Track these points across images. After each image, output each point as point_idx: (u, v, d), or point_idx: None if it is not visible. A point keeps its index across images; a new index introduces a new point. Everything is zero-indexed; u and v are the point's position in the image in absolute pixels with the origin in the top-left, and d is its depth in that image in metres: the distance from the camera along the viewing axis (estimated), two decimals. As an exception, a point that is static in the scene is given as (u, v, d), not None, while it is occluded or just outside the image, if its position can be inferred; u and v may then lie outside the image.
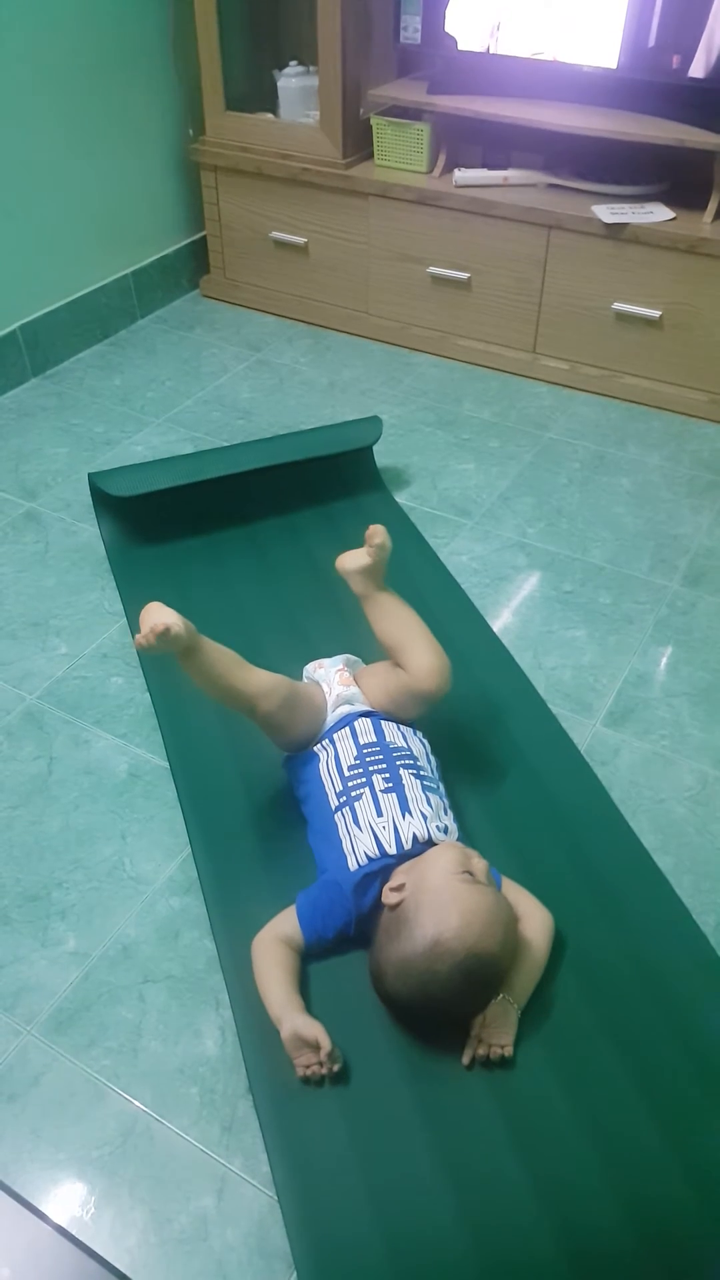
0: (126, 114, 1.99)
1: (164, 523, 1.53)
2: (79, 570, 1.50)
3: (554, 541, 1.56)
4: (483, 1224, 0.79)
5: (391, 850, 0.94)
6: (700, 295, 1.75)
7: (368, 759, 1.01)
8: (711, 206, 1.74)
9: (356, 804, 0.98)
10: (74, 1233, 0.79)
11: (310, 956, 0.95)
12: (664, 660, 1.35)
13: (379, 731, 1.04)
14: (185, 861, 1.08)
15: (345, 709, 1.07)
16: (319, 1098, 0.86)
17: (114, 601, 1.44)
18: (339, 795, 1.00)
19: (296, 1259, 0.77)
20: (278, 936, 0.93)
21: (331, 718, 1.07)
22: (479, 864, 0.91)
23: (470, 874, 0.89)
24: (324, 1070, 0.85)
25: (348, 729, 1.05)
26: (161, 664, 1.32)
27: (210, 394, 1.95)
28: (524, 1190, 0.80)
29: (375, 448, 1.66)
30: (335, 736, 1.05)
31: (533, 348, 1.97)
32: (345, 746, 1.03)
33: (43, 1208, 0.81)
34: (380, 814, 0.96)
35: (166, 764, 1.18)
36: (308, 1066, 0.85)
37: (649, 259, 1.76)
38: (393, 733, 1.05)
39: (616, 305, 1.83)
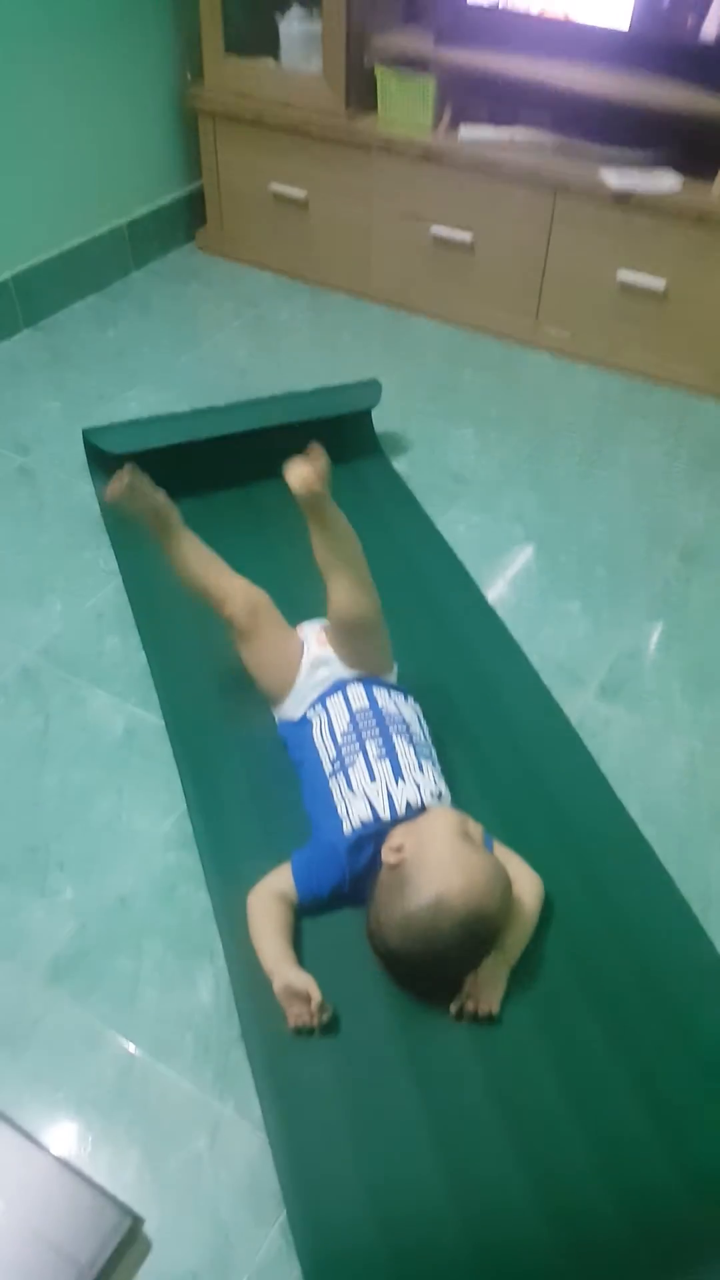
0: (122, 56, 1.92)
1: (159, 482, 1.51)
2: (74, 528, 1.49)
3: (551, 514, 1.56)
4: (464, 1169, 0.82)
5: (385, 816, 0.96)
6: (706, 268, 1.74)
7: (361, 725, 1.03)
8: (720, 176, 1.72)
9: (350, 770, 1.00)
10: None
11: (304, 912, 0.97)
12: (656, 636, 1.36)
13: (371, 698, 1.06)
14: (181, 818, 1.09)
15: (324, 671, 1.08)
16: (309, 1047, 0.88)
17: (109, 560, 1.44)
18: (333, 761, 1.02)
19: (286, 1198, 0.81)
20: (273, 892, 0.96)
21: (311, 680, 1.08)
22: (475, 828, 0.94)
23: (468, 835, 0.91)
24: (314, 1021, 0.88)
25: (340, 695, 1.06)
26: (157, 623, 1.32)
27: (206, 351, 1.92)
28: (504, 1135, 0.84)
29: (373, 412, 1.65)
30: (328, 702, 1.06)
31: (535, 314, 1.96)
32: (338, 712, 1.05)
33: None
34: (374, 779, 0.98)
35: (162, 722, 1.19)
36: (298, 1017, 0.88)
37: (656, 228, 1.74)
38: (385, 699, 1.06)
39: (621, 275, 1.81)
